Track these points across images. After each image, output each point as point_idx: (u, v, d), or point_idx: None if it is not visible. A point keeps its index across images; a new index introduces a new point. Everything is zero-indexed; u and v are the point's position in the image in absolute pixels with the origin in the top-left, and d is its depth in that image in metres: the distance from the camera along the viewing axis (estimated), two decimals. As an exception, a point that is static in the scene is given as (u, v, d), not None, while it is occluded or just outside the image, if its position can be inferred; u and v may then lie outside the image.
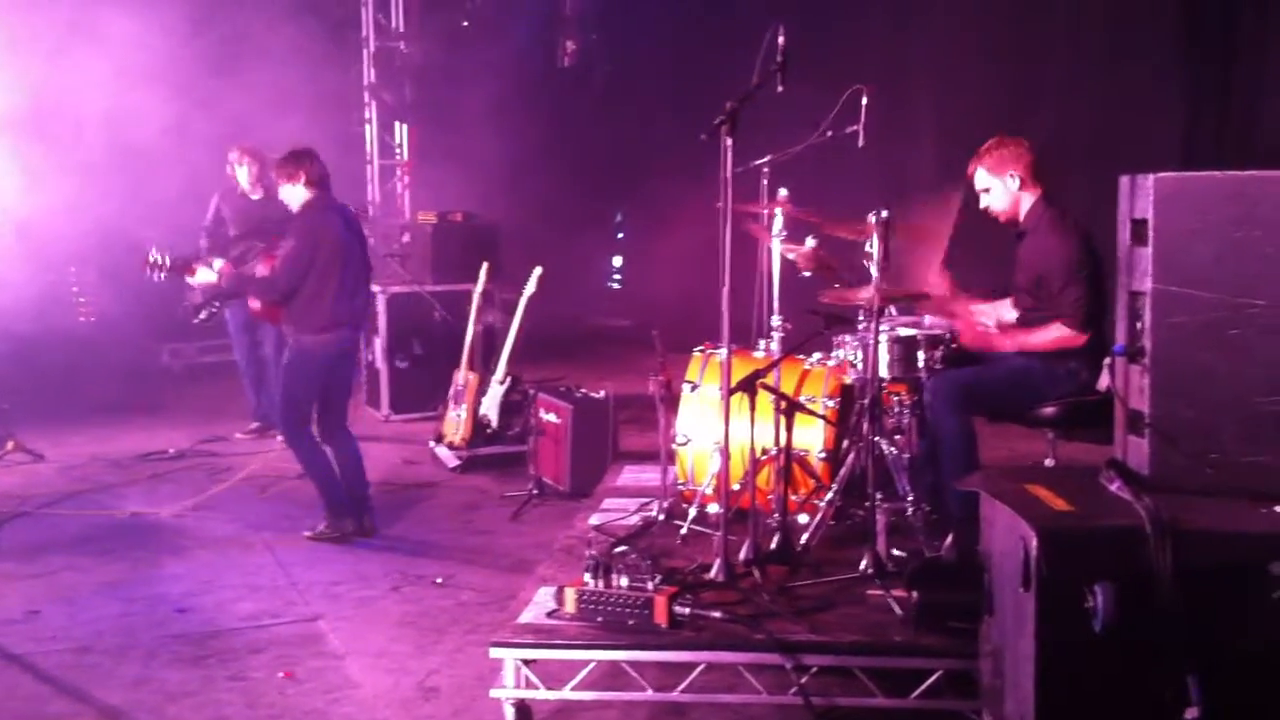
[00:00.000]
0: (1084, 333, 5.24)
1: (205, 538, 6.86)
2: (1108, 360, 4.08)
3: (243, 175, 8.95)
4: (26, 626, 5.59)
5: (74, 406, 9.80)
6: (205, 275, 7.12)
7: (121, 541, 6.79)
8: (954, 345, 5.37)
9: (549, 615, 4.58)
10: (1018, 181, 5.47)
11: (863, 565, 4.93)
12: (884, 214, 5.17)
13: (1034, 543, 3.45)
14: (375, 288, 9.98)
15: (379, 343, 9.87)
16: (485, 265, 8.97)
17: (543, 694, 4.46)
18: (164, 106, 9.08)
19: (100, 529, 7.02)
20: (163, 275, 7.19)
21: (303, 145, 6.88)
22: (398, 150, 13.22)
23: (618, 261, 14.99)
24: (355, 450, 6.98)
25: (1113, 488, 3.79)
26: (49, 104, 8.33)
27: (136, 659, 5.23)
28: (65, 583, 6.15)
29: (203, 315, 8.84)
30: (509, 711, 4.46)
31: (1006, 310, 5.68)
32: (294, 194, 6.77)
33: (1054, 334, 5.30)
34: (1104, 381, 4.25)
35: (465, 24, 13.49)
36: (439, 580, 6.13)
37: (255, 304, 7.01)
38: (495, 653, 4.43)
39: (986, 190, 5.55)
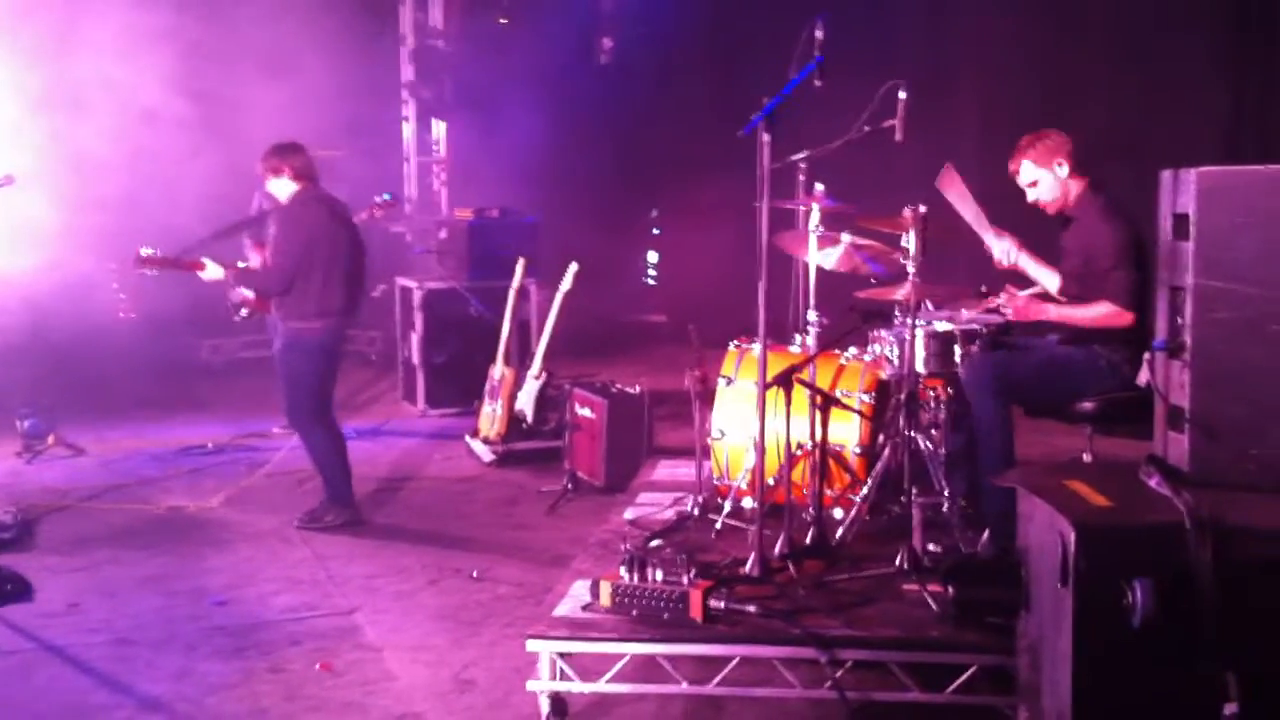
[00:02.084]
0: (1130, 311, 5.19)
1: (244, 531, 6.91)
2: (1147, 355, 4.05)
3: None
4: (68, 619, 5.65)
5: (115, 401, 9.88)
6: (214, 271, 7.05)
7: (162, 535, 6.86)
8: (990, 339, 5.34)
9: (585, 609, 4.60)
10: (1066, 169, 5.45)
11: (899, 560, 4.92)
12: (921, 208, 5.16)
13: (1072, 538, 3.43)
14: (411, 283, 10.06)
15: (415, 338, 9.91)
16: (522, 261, 9.00)
17: (578, 686, 4.47)
18: (201, 102, 9.16)
19: (141, 522, 7.09)
20: (154, 270, 7.03)
21: (288, 139, 6.97)
22: (435, 147, 13.27)
23: (653, 257, 14.98)
24: (343, 441, 7.12)
25: (1152, 483, 3.77)
26: (86, 100, 8.39)
27: (177, 651, 5.28)
28: (106, 575, 6.21)
29: (244, 312, 8.89)
30: (545, 704, 4.48)
31: (1052, 279, 5.62)
32: (281, 187, 6.89)
33: (1100, 311, 5.25)
34: (1144, 377, 4.22)
35: (504, 21, 13.52)
36: (475, 574, 6.16)
37: (250, 295, 7.15)
38: (531, 645, 4.44)
39: (1034, 184, 5.51)
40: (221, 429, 9.20)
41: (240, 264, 7.63)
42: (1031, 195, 5.55)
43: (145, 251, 6.96)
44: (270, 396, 9.64)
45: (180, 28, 8.85)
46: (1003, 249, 5.57)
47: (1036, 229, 5.78)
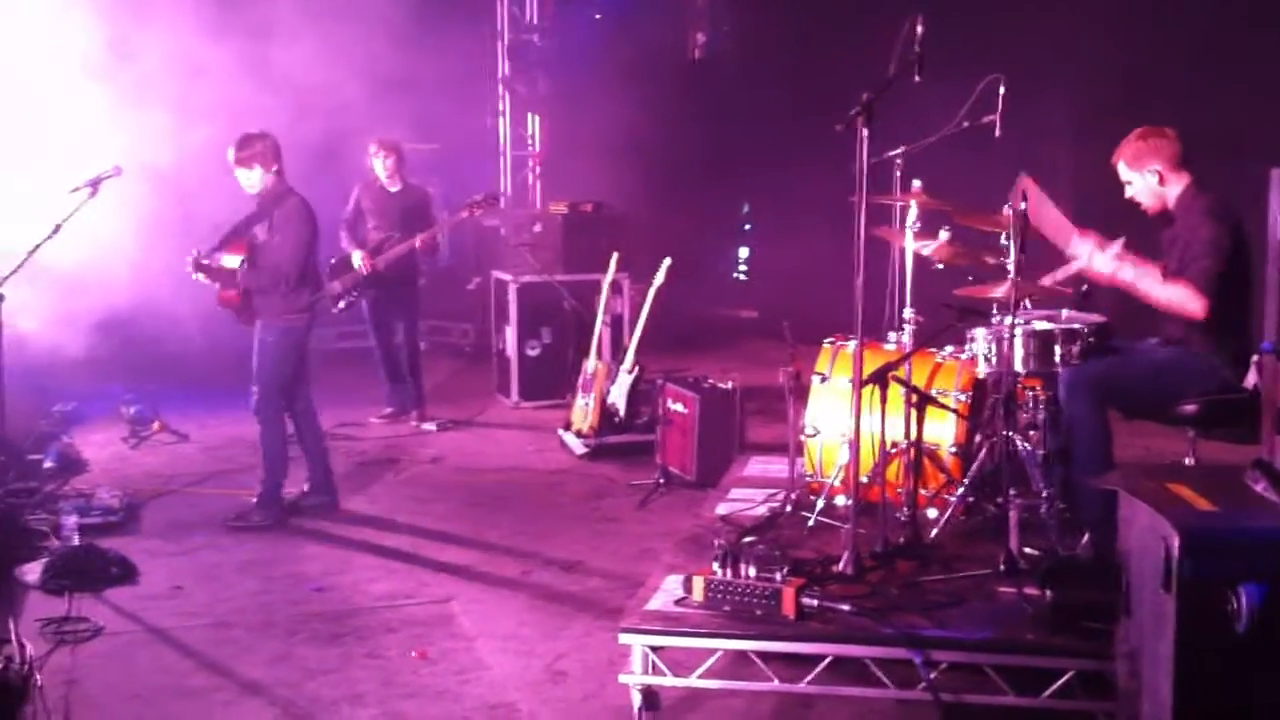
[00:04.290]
0: (1203, 298, 5.04)
1: (341, 519, 7.02)
2: (1256, 357, 3.97)
3: (380, 168, 9.14)
4: (171, 602, 5.78)
5: (216, 389, 10.05)
6: (230, 261, 6.94)
7: (261, 521, 6.99)
8: (1092, 339, 5.25)
9: (677, 603, 4.60)
10: (1156, 176, 5.32)
11: (998, 564, 4.85)
12: (1021, 206, 5.09)
13: (1176, 542, 3.37)
14: (506, 276, 10.13)
15: (510, 331, 9.99)
16: (615, 255, 9.04)
17: (670, 681, 4.48)
18: (294, 98, 9.27)
19: (240, 509, 7.22)
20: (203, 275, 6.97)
21: (260, 130, 6.90)
22: (530, 141, 13.37)
23: (744, 253, 14.96)
24: (319, 424, 7.32)
25: (1258, 488, 3.69)
26: (178, 96, 8.51)
27: (276, 635, 5.39)
28: (207, 560, 6.35)
29: (341, 304, 9.06)
30: (636, 697, 4.50)
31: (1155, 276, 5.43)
32: (257, 178, 6.85)
33: (1175, 292, 5.09)
34: (1251, 379, 4.14)
35: (598, 16, 13.59)
36: (567, 566, 6.20)
37: (230, 293, 6.97)
38: (624, 638, 4.46)
39: (1129, 183, 5.42)
40: (319, 418, 9.30)
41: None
42: (1128, 192, 5.45)
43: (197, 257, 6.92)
44: (367, 387, 9.78)
45: (269, 24, 8.95)
46: (1086, 252, 5.35)
47: (1133, 224, 5.66)
